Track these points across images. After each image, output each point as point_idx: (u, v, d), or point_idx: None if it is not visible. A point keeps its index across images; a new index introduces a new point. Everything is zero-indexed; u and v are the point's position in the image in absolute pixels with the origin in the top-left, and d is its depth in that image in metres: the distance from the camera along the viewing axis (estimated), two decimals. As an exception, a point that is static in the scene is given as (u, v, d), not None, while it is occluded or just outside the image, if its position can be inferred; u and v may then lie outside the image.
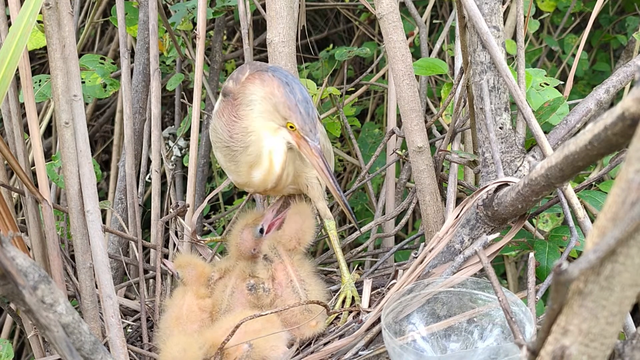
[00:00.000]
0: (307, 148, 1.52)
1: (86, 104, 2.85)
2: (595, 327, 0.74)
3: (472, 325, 1.40)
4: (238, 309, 1.61)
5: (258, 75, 1.54)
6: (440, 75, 2.46)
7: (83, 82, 1.91)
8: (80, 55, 1.91)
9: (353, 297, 1.65)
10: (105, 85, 2.03)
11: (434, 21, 2.86)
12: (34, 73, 2.38)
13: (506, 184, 1.41)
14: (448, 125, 1.84)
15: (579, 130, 1.54)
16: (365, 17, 2.85)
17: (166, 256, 1.92)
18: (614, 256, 0.71)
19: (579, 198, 1.49)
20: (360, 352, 1.45)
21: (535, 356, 0.79)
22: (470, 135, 1.89)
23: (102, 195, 2.84)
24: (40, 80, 1.94)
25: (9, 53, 1.24)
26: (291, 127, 1.51)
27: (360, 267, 2.00)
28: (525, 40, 2.40)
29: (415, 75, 1.69)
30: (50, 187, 1.84)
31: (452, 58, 1.99)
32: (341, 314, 1.61)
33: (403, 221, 1.99)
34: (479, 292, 1.40)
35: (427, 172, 1.67)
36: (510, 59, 1.96)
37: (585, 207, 1.52)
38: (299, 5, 2.09)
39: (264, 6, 1.92)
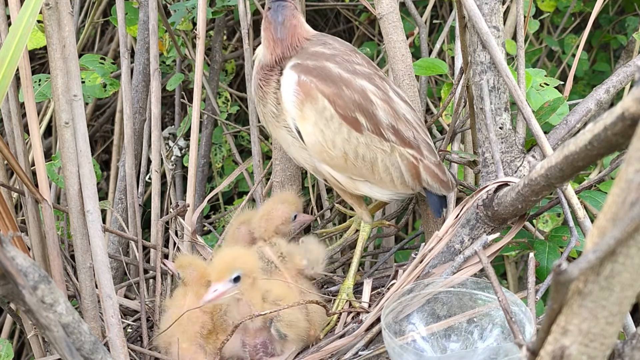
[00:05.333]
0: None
1: (86, 104, 2.85)
2: (595, 327, 0.74)
3: (472, 325, 1.40)
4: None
5: None
6: (440, 75, 2.46)
7: (83, 82, 1.91)
8: (80, 55, 1.91)
9: (350, 302, 1.64)
10: (105, 85, 2.03)
11: (434, 21, 2.86)
12: (34, 73, 2.37)
13: (506, 184, 1.41)
14: (448, 125, 1.84)
15: (579, 131, 1.54)
16: (365, 17, 2.85)
17: (166, 256, 1.92)
18: (614, 256, 0.71)
19: (579, 198, 1.49)
20: (360, 352, 1.45)
21: (535, 356, 0.79)
22: (470, 135, 1.89)
23: (102, 195, 2.83)
24: (40, 80, 1.93)
25: (9, 53, 1.24)
26: None
27: (360, 267, 1.99)
28: (525, 40, 2.40)
29: (415, 75, 1.69)
30: (50, 187, 1.84)
31: (452, 58, 1.99)
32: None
33: (403, 221, 1.99)
34: (479, 292, 1.40)
35: (427, 172, 1.67)
36: (510, 59, 1.95)
37: (585, 207, 1.52)
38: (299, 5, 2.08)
39: (263, 6, 1.92)
